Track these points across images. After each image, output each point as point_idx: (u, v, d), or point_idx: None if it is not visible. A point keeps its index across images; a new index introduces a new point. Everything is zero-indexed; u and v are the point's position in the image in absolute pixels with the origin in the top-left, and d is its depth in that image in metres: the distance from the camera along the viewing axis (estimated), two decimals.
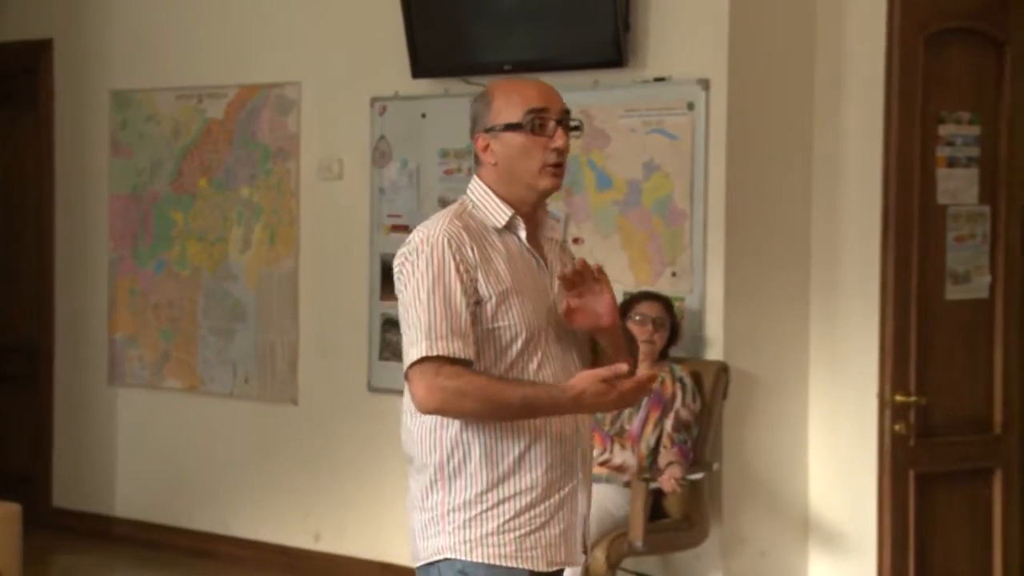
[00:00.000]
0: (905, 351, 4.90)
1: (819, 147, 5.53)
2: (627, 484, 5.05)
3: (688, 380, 5.18)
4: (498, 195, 2.94)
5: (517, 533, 2.87)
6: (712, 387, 5.29)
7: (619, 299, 3.31)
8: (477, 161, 2.99)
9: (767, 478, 5.54)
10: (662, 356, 5.23)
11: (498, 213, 2.93)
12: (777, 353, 5.52)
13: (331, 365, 6.49)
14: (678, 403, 5.14)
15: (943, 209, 5.05)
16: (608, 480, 5.05)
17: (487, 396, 2.80)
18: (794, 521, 5.56)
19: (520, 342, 2.87)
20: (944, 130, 5.04)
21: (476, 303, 2.84)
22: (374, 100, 6.31)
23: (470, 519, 2.87)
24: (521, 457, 2.87)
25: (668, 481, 4.96)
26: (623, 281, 5.46)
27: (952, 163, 5.06)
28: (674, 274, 5.50)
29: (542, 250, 3.00)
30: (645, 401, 5.08)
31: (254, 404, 6.72)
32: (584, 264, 2.94)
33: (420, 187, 6.19)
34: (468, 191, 2.99)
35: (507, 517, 2.87)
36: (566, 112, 2.95)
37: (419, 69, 6.07)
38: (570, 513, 2.93)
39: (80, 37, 7.27)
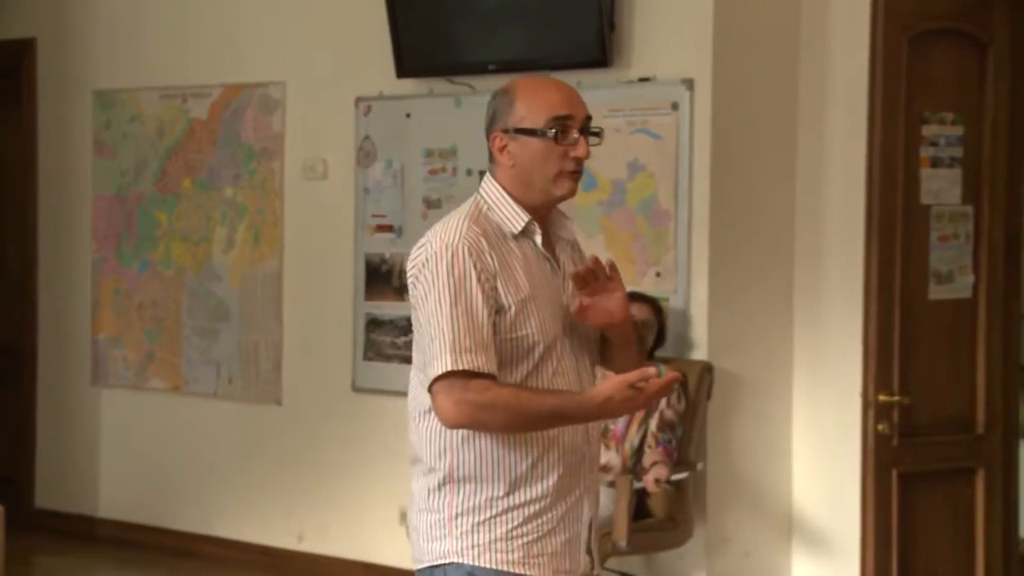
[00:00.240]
0: (888, 351, 4.91)
1: (803, 147, 5.54)
2: (611, 484, 5.05)
3: None
4: (513, 197, 2.89)
5: (524, 540, 2.84)
6: (696, 387, 5.29)
7: None
8: (492, 159, 2.92)
9: (751, 478, 5.54)
10: (649, 357, 5.23)
11: (515, 218, 2.88)
12: (761, 353, 5.52)
13: (315, 365, 6.49)
14: (662, 403, 5.14)
15: (926, 209, 5.06)
16: None
17: (515, 409, 2.77)
18: (778, 521, 5.57)
19: (539, 351, 2.84)
20: (927, 130, 5.05)
21: (496, 312, 2.81)
22: (359, 100, 6.30)
23: (479, 524, 2.84)
24: (534, 466, 2.84)
25: (652, 481, 4.96)
26: None
27: (936, 163, 5.08)
28: (658, 274, 5.50)
29: (554, 251, 2.95)
30: None
31: (238, 404, 6.70)
32: (596, 261, 2.91)
33: (405, 187, 6.19)
34: (482, 191, 2.93)
35: (516, 523, 2.84)
36: (588, 118, 2.89)
37: (404, 69, 6.07)
38: (575, 521, 2.90)
39: (64, 36, 7.26)
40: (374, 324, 6.25)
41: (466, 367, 2.75)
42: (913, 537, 5.00)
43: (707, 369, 5.33)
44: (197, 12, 6.83)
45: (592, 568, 2.97)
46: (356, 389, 6.33)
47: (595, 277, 2.90)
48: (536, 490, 2.84)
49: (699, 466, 5.30)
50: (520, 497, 2.84)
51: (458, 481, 2.85)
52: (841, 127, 5.38)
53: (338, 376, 6.38)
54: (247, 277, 6.69)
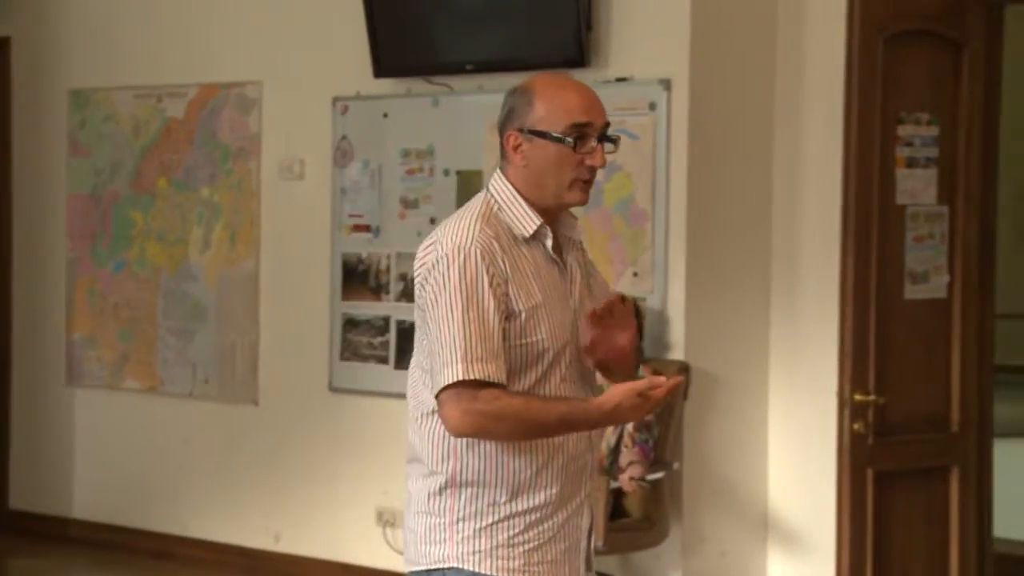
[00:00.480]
0: (864, 350, 4.93)
1: (779, 147, 5.55)
2: None
3: None
4: (524, 198, 2.82)
5: (525, 547, 2.81)
6: None
7: None
8: (504, 156, 2.85)
9: (727, 478, 5.55)
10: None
11: (526, 221, 2.82)
12: (738, 353, 5.54)
13: (292, 365, 6.47)
14: None
15: (902, 209, 5.08)
16: None
17: (524, 418, 2.73)
18: (754, 520, 5.58)
19: (548, 358, 2.80)
20: (903, 131, 5.08)
21: (506, 318, 2.74)
22: (336, 100, 6.29)
23: (480, 529, 2.81)
24: (538, 473, 2.81)
25: (628, 480, 4.97)
26: None
27: (911, 163, 5.10)
28: (635, 274, 5.51)
29: (562, 252, 2.90)
30: None
31: (214, 405, 6.68)
32: (618, 299, 2.85)
33: (382, 187, 6.18)
34: (492, 188, 2.86)
35: (517, 530, 2.81)
36: (606, 125, 2.84)
37: (381, 69, 6.06)
38: (575, 529, 2.88)
39: (38, 35, 7.22)
40: (351, 324, 6.24)
41: (476, 376, 2.70)
42: (888, 536, 5.02)
43: (684, 369, 5.34)
44: (173, 11, 6.81)
45: None
46: (333, 389, 6.32)
47: (611, 315, 2.84)
48: (539, 497, 2.81)
49: (675, 466, 5.31)
50: (522, 504, 2.81)
51: (460, 486, 2.81)
52: (817, 127, 5.40)
53: (315, 376, 6.37)
54: (223, 277, 6.67)
